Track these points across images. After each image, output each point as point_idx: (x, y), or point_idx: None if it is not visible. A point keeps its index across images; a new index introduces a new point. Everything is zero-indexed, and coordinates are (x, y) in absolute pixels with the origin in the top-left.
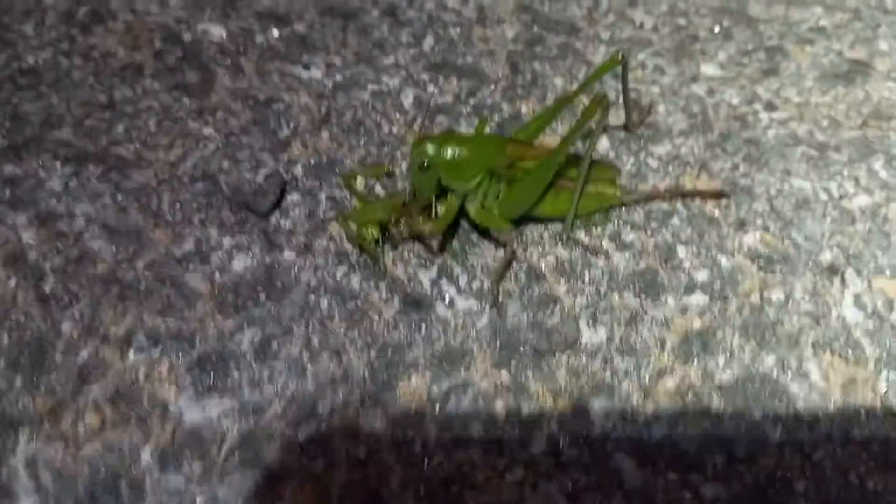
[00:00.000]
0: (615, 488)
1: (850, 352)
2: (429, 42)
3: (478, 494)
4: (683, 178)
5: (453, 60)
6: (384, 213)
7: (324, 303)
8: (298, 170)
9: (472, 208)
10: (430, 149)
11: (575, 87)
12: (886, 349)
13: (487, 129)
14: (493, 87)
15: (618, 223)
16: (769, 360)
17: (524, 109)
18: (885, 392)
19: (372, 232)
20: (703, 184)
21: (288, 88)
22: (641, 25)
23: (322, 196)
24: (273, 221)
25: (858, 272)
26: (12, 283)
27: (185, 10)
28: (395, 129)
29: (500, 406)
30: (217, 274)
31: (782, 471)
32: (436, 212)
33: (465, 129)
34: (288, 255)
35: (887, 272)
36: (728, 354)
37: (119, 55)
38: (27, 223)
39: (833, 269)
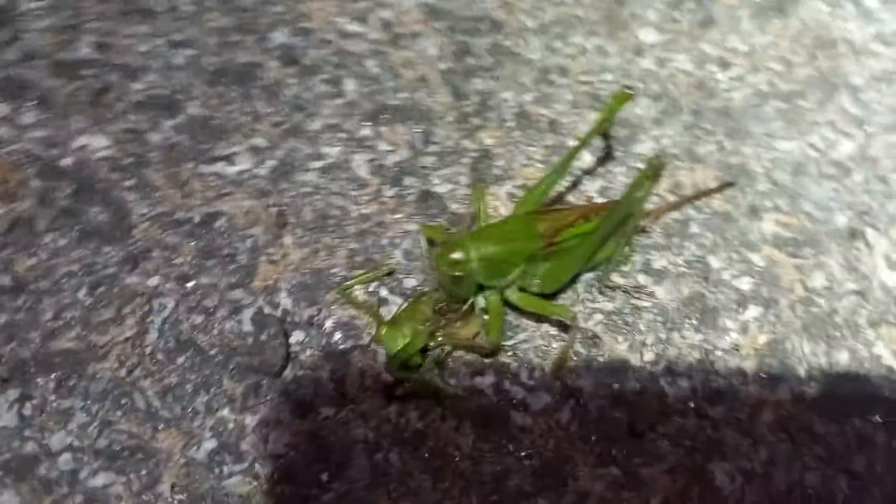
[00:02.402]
0: None
1: None
2: (350, 85)
3: None
4: (678, 173)
5: (387, 102)
6: (418, 328)
7: (394, 458)
8: (283, 298)
9: (513, 297)
10: (461, 257)
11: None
12: None
13: (484, 196)
14: (443, 120)
15: (641, 251)
16: (843, 358)
17: (489, 141)
18: None
19: (410, 353)
20: (701, 176)
21: (219, 196)
22: (562, 1)
23: (328, 323)
24: (289, 375)
25: (876, 229)
26: None
27: (47, 126)
28: (364, 210)
29: None
30: (258, 467)
31: None
32: (472, 307)
33: (441, 187)
34: (326, 412)
35: None
36: (806, 365)
37: None
38: None
39: (853, 234)
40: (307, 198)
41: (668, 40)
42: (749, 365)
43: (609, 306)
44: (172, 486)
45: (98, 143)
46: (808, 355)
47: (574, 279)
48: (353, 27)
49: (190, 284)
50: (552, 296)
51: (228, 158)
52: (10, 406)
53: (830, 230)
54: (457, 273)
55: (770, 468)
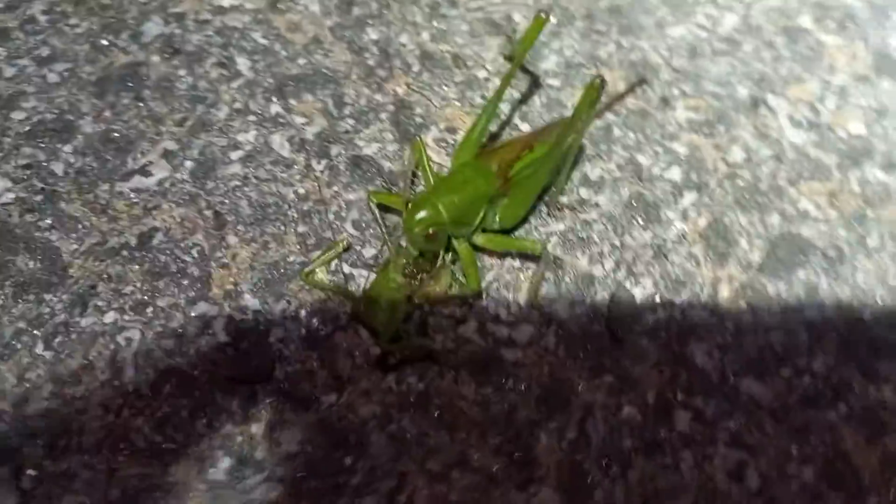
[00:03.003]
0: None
1: (819, 174)
2: (244, 64)
3: None
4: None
5: (286, 72)
6: (395, 297)
7: (407, 424)
8: (248, 299)
9: (480, 240)
10: (430, 214)
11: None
12: (837, 152)
13: (423, 149)
14: (349, 79)
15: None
16: (776, 220)
17: (400, 90)
18: (862, 191)
19: (395, 324)
20: (610, 78)
21: (147, 211)
22: None
23: (302, 313)
24: (280, 375)
25: (775, 93)
26: None
27: None
28: (301, 189)
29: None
30: (280, 470)
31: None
32: (442, 261)
33: (368, 148)
34: (328, 400)
35: (791, 80)
36: (746, 235)
37: None
38: None
39: (755, 102)
40: (238, 191)
41: None
42: (698, 249)
43: (561, 226)
44: None
45: None
46: (746, 226)
47: (533, 208)
48: (227, 1)
49: (149, 310)
50: (512, 229)
51: (143, 170)
52: (6, 485)
53: (735, 104)
54: (430, 231)
55: (739, 337)
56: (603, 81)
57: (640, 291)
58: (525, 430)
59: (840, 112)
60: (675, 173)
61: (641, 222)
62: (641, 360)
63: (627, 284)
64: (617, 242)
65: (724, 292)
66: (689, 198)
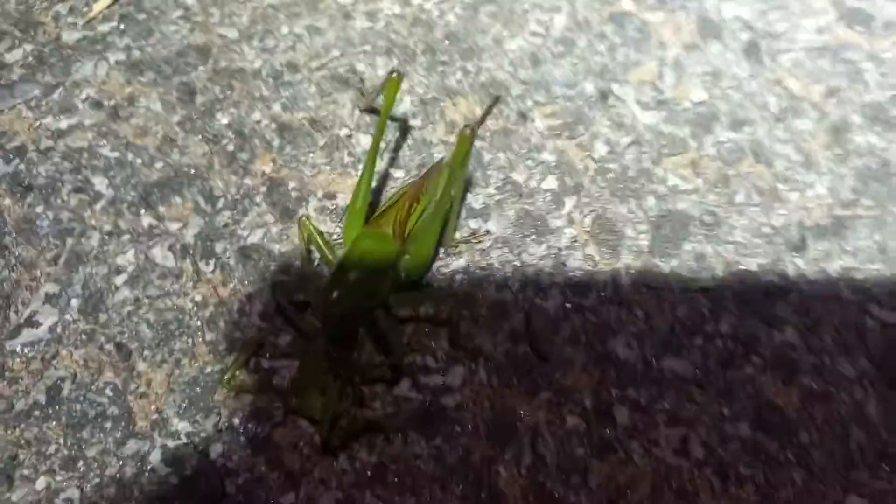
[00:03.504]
0: None
1: (677, 147)
2: (101, 182)
3: None
4: (448, 113)
5: (149, 179)
6: (326, 384)
7: (370, 499)
8: (177, 423)
9: (394, 304)
10: (344, 299)
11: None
12: (687, 123)
13: (311, 226)
14: (213, 170)
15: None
16: (651, 202)
17: (267, 168)
18: (718, 153)
19: (333, 411)
20: (465, 106)
21: (46, 363)
22: None
23: (236, 421)
24: (231, 490)
25: (618, 81)
26: None
27: None
28: (197, 296)
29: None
30: None
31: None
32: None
33: (253, 236)
34: (287, 500)
35: (629, 65)
36: (630, 224)
37: None
38: None
39: (604, 95)
40: (134, 316)
41: None
42: (590, 248)
43: (462, 262)
44: None
45: None
46: (627, 214)
47: (434, 253)
48: (64, 122)
49: (80, 464)
50: (419, 279)
51: (30, 322)
52: None
53: (586, 101)
54: (343, 312)
55: (649, 321)
56: (472, 130)
57: (552, 303)
58: (483, 468)
59: (680, 84)
60: (551, 182)
61: (534, 237)
62: (570, 368)
63: (538, 300)
64: (517, 262)
65: (625, 281)
66: (569, 202)
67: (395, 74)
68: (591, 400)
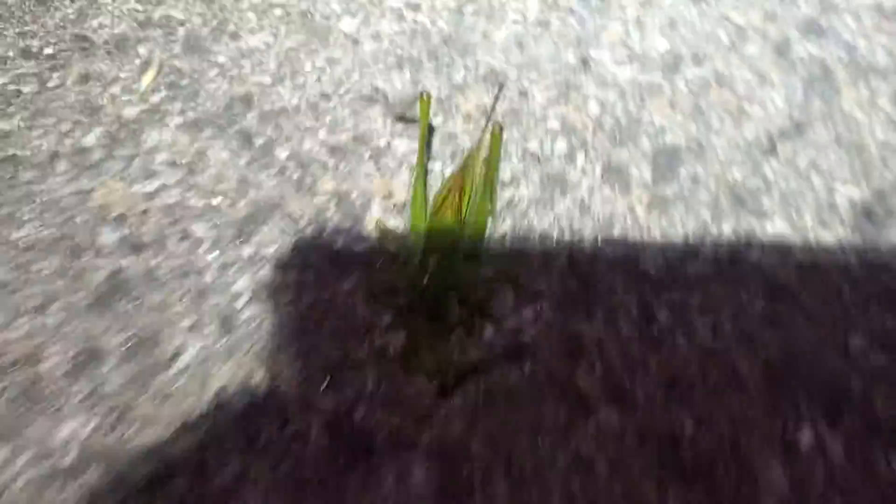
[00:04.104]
0: None
1: (654, 92)
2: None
3: None
4: (462, 104)
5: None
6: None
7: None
8: (324, 400)
9: (465, 272)
10: (432, 284)
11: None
12: (659, 69)
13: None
14: (292, 201)
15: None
16: (625, 142)
17: (329, 187)
18: (689, 89)
19: (440, 364)
20: (475, 96)
21: None
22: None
23: (378, 393)
24: (380, 441)
25: (593, 46)
26: None
27: None
28: (284, 295)
29: None
30: None
31: None
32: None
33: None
34: None
35: (600, 30)
36: (634, 163)
37: None
38: None
39: (584, 61)
40: (261, 328)
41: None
42: (606, 191)
43: (507, 226)
44: None
45: None
46: (628, 157)
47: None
48: (150, 186)
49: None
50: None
51: (179, 349)
52: None
53: (572, 69)
54: (435, 289)
55: (666, 237)
56: (501, 129)
57: (587, 242)
58: (566, 380)
59: (645, 38)
60: (561, 144)
61: (559, 192)
62: (614, 289)
63: (575, 242)
64: (551, 216)
65: (640, 211)
66: (580, 158)
67: (424, 95)
68: (637, 309)
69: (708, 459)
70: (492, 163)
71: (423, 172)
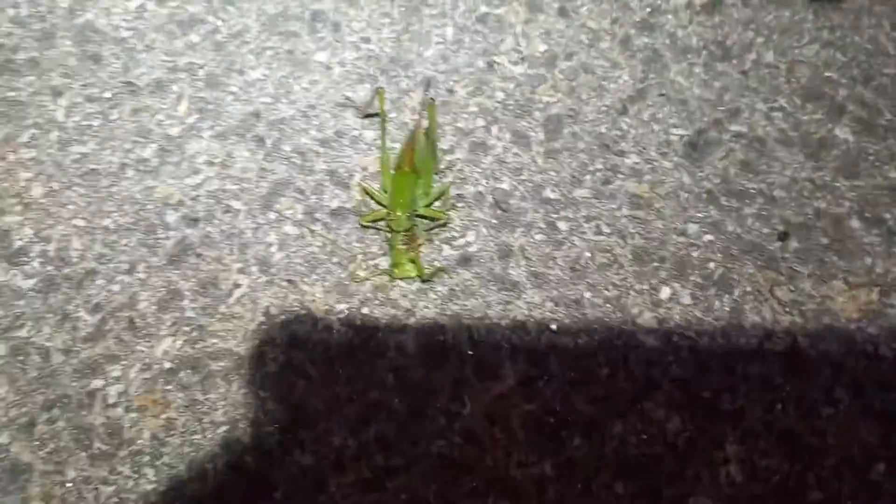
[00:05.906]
0: None
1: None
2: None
3: None
4: (408, 102)
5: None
6: (412, 256)
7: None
8: (338, 307)
9: (422, 203)
10: (403, 214)
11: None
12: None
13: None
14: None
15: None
16: (523, 124)
17: (325, 166)
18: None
19: (419, 269)
20: (417, 96)
21: None
22: None
23: (375, 299)
24: (378, 333)
25: (497, 52)
26: None
27: None
28: (304, 242)
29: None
30: None
31: None
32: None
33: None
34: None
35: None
36: (502, 125)
37: None
38: None
39: (490, 65)
40: (288, 259)
41: None
42: (516, 149)
43: (449, 178)
44: None
45: None
46: (526, 126)
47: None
48: (194, 180)
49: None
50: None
51: (235, 285)
52: None
53: (482, 72)
54: (406, 216)
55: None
56: (433, 101)
57: (506, 181)
58: (505, 273)
59: (530, 44)
60: (481, 122)
61: (481, 152)
62: (523, 212)
63: (495, 183)
64: (479, 168)
65: (539, 161)
66: (494, 129)
67: (379, 89)
68: (544, 223)
69: (600, 313)
70: (431, 126)
71: (385, 149)
